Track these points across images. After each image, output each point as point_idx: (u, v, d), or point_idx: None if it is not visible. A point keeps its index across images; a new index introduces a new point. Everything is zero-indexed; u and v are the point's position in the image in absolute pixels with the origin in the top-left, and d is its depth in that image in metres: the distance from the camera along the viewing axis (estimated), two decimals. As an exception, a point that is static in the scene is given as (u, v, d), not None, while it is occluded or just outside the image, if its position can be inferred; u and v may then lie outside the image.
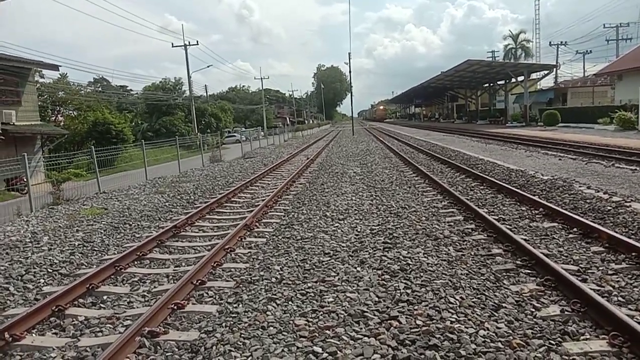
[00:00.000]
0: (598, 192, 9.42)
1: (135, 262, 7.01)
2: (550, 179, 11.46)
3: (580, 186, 10.21)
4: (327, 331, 4.10)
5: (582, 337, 3.92)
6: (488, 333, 3.91)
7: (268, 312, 4.61)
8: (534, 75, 48.51)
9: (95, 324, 4.92)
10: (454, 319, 4.17)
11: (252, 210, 9.89)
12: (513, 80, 48.18)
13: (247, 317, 4.55)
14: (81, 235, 8.93)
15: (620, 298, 4.66)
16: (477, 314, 4.31)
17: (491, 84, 56.63)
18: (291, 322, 4.35)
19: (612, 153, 16.44)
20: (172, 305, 5.06)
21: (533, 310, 4.48)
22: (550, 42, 66.21)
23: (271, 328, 4.26)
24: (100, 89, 59.38)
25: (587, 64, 62.17)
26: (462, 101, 69.06)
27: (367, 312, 4.44)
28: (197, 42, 44.35)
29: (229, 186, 14.57)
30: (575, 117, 36.81)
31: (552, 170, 13.41)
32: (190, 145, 30.20)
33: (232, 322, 4.50)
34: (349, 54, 49.70)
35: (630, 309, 4.40)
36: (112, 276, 6.43)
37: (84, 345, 4.41)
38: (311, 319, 4.39)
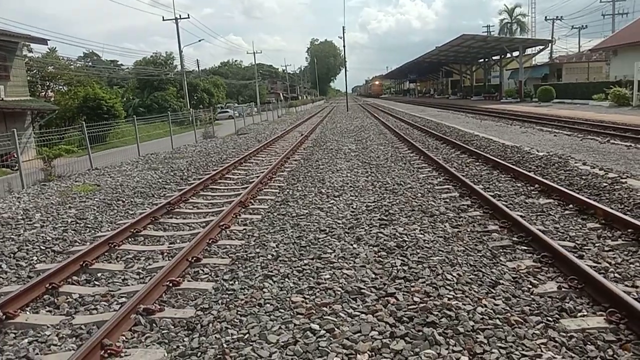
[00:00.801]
0: (594, 168, 9.41)
1: (129, 239, 6.95)
2: (546, 155, 11.43)
3: (575, 162, 10.19)
4: (324, 308, 4.08)
5: (579, 314, 3.91)
6: (486, 310, 3.90)
7: (264, 289, 4.58)
8: (529, 51, 48.13)
9: (89, 302, 4.88)
10: (451, 296, 4.15)
11: (246, 187, 9.81)
12: (508, 55, 47.83)
13: (244, 294, 4.52)
14: (74, 212, 8.84)
15: (616, 274, 4.66)
16: (475, 291, 4.29)
17: (486, 60, 56.15)
18: (288, 299, 4.32)
19: (607, 129, 16.42)
20: (168, 283, 5.02)
21: (530, 287, 4.47)
22: (545, 17, 65.76)
23: (268, 305, 4.23)
24: (90, 63, 58.50)
25: (583, 39, 62.44)
26: (457, 77, 68.61)
27: (364, 289, 4.41)
28: (188, 15, 43.70)
29: (222, 163, 14.46)
30: (570, 93, 36.70)
31: (547, 146, 13.39)
32: (182, 121, 29.89)
33: (228, 299, 4.47)
34: (343, 27, 48.81)
35: (627, 286, 4.40)
36: (106, 253, 6.37)
37: (79, 323, 4.37)
38: (308, 296, 4.36)
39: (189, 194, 9.58)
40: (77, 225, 7.94)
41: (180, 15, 42.41)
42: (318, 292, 4.43)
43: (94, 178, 12.95)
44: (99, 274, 5.70)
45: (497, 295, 4.24)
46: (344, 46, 51.43)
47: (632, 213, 6.49)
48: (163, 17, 42.74)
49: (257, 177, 10.99)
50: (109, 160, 16.25)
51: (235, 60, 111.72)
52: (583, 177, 8.78)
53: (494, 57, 53.23)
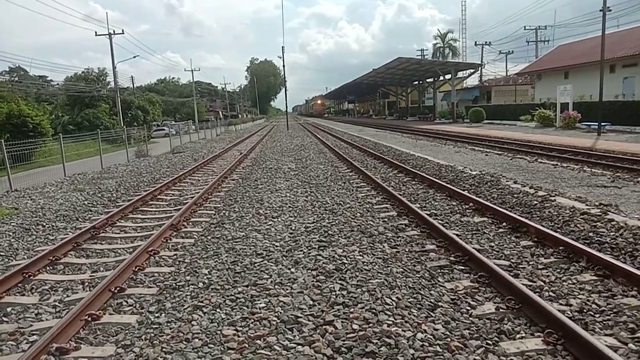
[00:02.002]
0: (524, 186, 9.72)
1: (47, 268, 6.36)
2: (479, 174, 11.74)
3: (507, 181, 10.51)
4: (258, 341, 3.80)
5: (517, 336, 3.87)
6: (426, 336, 3.77)
7: (193, 322, 4.24)
8: (460, 74, 50.31)
9: (-7, 342, 4.33)
10: (390, 322, 4.00)
11: (179, 209, 9.36)
12: (441, 78, 49.75)
13: (170, 328, 4.16)
14: (-15, 238, 8.04)
15: (551, 293, 4.71)
16: (414, 315, 4.17)
17: (420, 82, 58.20)
18: (218, 332, 4.01)
19: (534, 149, 17.23)
20: (86, 317, 4.56)
21: (469, 308, 4.41)
22: (475, 42, 69.46)
23: (196, 340, 3.90)
24: (16, 78, 55.27)
25: (510, 64, 66.03)
26: (393, 98, 70.60)
27: (301, 317, 4.18)
28: (123, 31, 42.08)
29: (155, 183, 13.84)
30: (499, 114, 38.57)
31: (479, 165, 13.80)
32: (115, 139, 28.62)
33: (152, 334, 4.09)
34: (283, 47, 49.19)
35: (561, 304, 4.44)
36: (19, 284, 5.77)
37: (-22, 368, 3.85)
38: (241, 328, 4.07)
39: (117, 216, 9.00)
40: (-12, 253, 7.20)
41: (114, 31, 40.97)
42: (252, 323, 4.15)
43: (13, 200, 11.98)
44: (9, 309, 5.12)
45: (436, 319, 4.13)
46: (283, 66, 51.88)
47: (562, 230, 6.68)
48: (96, 32, 41.17)
49: (192, 197, 10.55)
50: (31, 181, 15.14)
51: (173, 78, 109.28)
52: (514, 195, 9.03)
53: (427, 80, 55.27)
